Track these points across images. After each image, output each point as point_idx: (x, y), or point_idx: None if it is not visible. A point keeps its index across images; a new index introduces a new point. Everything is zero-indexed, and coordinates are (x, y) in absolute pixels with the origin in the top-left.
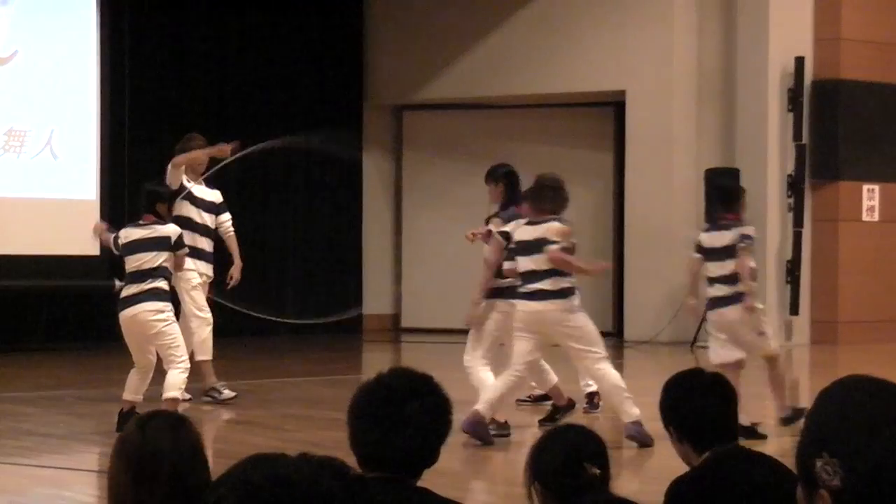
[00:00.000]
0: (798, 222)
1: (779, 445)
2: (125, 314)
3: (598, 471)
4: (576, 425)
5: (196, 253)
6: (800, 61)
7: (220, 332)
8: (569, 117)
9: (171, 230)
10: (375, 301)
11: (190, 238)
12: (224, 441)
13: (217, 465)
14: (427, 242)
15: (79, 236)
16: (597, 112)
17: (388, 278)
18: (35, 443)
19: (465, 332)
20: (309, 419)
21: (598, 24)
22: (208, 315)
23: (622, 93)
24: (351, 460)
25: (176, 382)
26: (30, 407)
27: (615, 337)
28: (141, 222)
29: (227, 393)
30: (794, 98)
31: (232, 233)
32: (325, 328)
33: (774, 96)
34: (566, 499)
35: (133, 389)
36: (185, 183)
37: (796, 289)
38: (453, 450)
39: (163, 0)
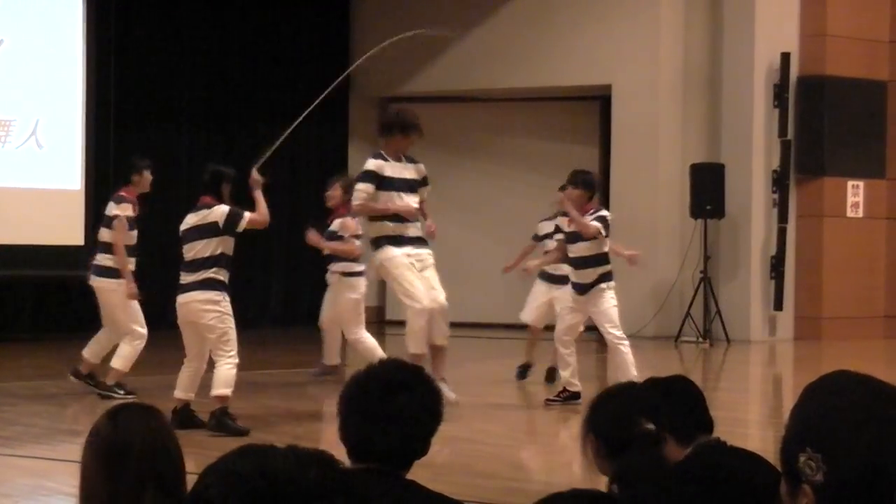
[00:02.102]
0: (783, 218)
1: (761, 440)
2: (178, 300)
3: (652, 426)
4: (637, 383)
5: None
6: (786, 57)
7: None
8: (555, 111)
9: (218, 213)
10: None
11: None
12: (208, 433)
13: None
14: None
15: (64, 226)
16: (583, 106)
17: (372, 270)
18: (18, 433)
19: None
20: (292, 412)
21: (583, 18)
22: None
23: (608, 87)
24: (336, 453)
25: (224, 378)
26: (13, 397)
27: (598, 332)
28: (198, 205)
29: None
30: (779, 94)
31: None
32: (311, 320)
33: (760, 92)
34: (618, 451)
35: (184, 386)
36: None
37: (780, 284)
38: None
39: None
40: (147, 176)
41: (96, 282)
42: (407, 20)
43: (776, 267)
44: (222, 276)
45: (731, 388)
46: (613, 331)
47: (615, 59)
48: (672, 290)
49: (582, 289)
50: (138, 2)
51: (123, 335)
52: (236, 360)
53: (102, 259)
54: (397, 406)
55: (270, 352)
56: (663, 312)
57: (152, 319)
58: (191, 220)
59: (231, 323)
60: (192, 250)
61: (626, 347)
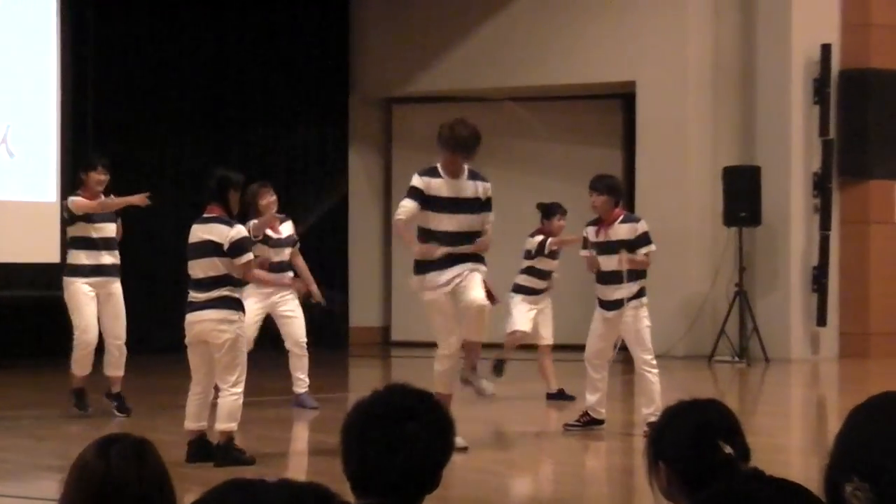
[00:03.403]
0: (825, 225)
1: (804, 468)
2: (188, 318)
3: (730, 450)
4: (705, 399)
5: None
6: (826, 49)
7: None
8: (573, 111)
9: (224, 237)
10: (363, 312)
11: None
12: (195, 466)
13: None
14: None
15: (37, 242)
16: (604, 105)
17: (376, 287)
18: None
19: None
20: (289, 442)
21: (604, 9)
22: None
23: (632, 84)
24: (335, 487)
25: (229, 411)
26: None
27: (623, 351)
28: (205, 216)
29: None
30: (819, 89)
31: None
32: (308, 342)
33: (798, 87)
34: (695, 481)
35: (194, 416)
36: None
37: (823, 298)
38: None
39: None
40: (95, 176)
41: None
42: (408, 18)
43: (818, 279)
44: (237, 293)
45: (770, 412)
46: (644, 355)
47: (639, 53)
48: (704, 305)
49: (611, 306)
50: (119, 0)
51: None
52: (241, 390)
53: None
54: (404, 435)
55: (263, 376)
56: (695, 329)
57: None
58: (198, 232)
59: (244, 347)
60: (197, 267)
61: (654, 376)
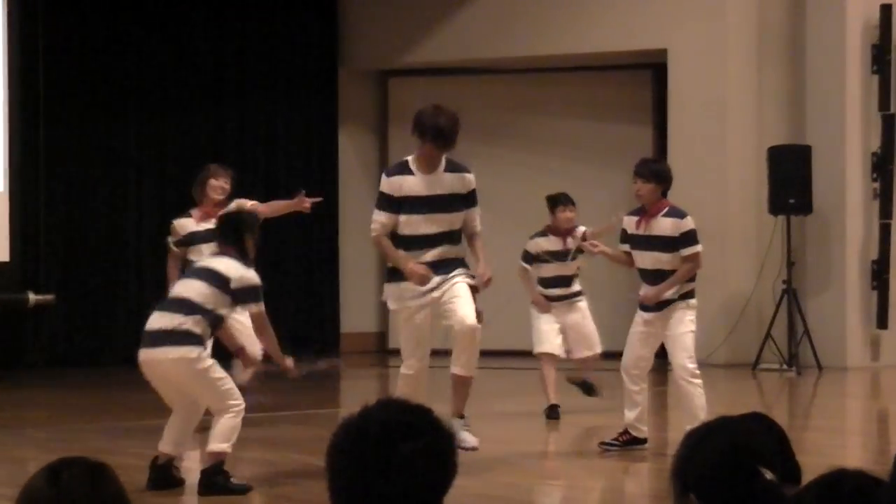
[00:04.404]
0: (886, 212)
1: None
2: (139, 356)
3: (770, 476)
4: (741, 416)
5: None
6: (886, 10)
7: None
8: (596, 83)
9: (238, 273)
10: (356, 316)
11: None
12: (169, 494)
13: None
14: None
15: None
16: (631, 76)
17: (371, 287)
18: None
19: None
20: (274, 465)
21: None
22: None
23: (663, 52)
24: None
25: (222, 431)
26: None
27: (657, 359)
28: (217, 253)
29: None
30: (879, 56)
31: None
32: (294, 351)
33: (855, 54)
34: None
35: (171, 441)
36: None
37: (884, 296)
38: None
39: None
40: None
41: None
42: None
43: (878, 275)
44: (203, 332)
45: (823, 427)
46: (686, 362)
47: (671, 16)
48: (748, 306)
49: (653, 307)
50: None
51: None
52: (241, 407)
53: None
54: (399, 457)
55: (245, 391)
56: (737, 333)
57: (94, 352)
58: (203, 261)
59: (217, 372)
60: (184, 286)
61: (695, 388)
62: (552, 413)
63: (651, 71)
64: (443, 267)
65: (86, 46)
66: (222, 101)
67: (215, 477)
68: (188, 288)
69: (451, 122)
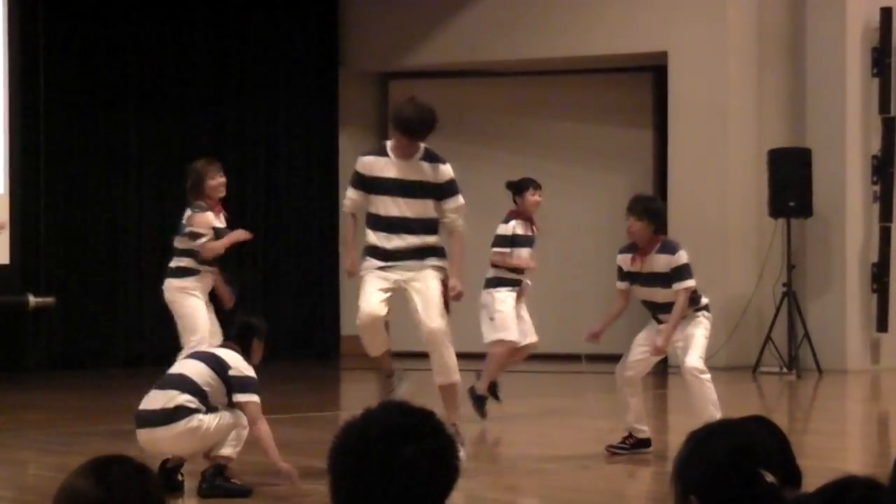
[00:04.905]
0: (886, 215)
1: None
2: (138, 436)
3: (772, 478)
4: (742, 418)
5: None
6: (886, 13)
7: (157, 362)
8: (597, 85)
9: (238, 364)
10: (356, 318)
11: None
12: (172, 497)
13: None
14: None
15: None
16: (632, 78)
17: None
18: None
19: (469, 356)
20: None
21: None
22: None
23: (663, 55)
24: None
25: (230, 438)
26: None
27: (658, 362)
28: (223, 347)
29: None
30: (879, 59)
31: None
32: (293, 354)
33: (855, 57)
34: None
35: None
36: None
37: (884, 299)
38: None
39: None
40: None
41: None
42: None
43: (879, 277)
44: (198, 406)
45: (823, 431)
46: (696, 362)
47: (671, 19)
48: (748, 309)
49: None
50: None
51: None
52: (246, 424)
53: None
54: (401, 460)
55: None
56: (737, 337)
57: (95, 354)
58: (213, 347)
59: (211, 425)
60: (186, 366)
61: (704, 383)
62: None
63: (651, 73)
64: (416, 255)
65: (86, 48)
66: (223, 103)
67: (216, 479)
68: (187, 367)
69: (418, 113)
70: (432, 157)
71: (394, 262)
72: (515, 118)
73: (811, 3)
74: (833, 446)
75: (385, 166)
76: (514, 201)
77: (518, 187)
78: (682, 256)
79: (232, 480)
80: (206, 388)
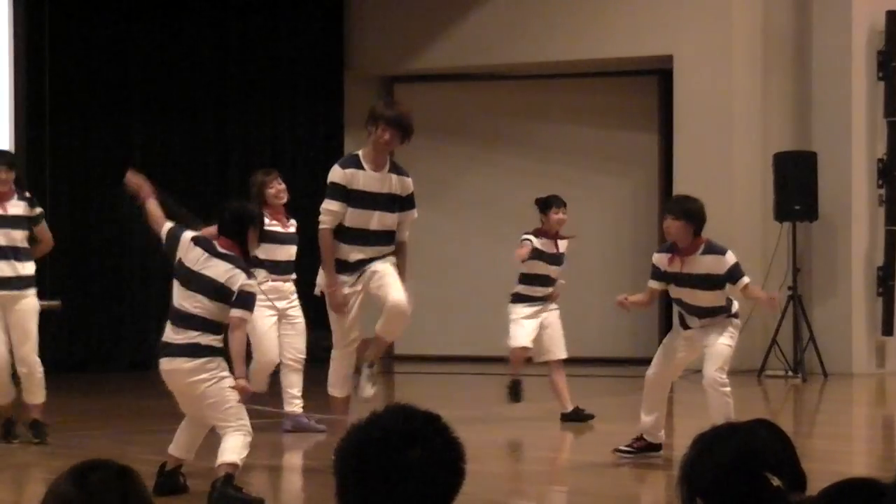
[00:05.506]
0: (892, 219)
1: None
2: (161, 364)
3: (778, 482)
4: (748, 422)
5: None
6: (892, 17)
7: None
8: (602, 89)
9: (237, 282)
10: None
11: None
12: (177, 500)
13: None
14: (424, 247)
15: None
16: (637, 82)
17: None
18: None
19: (475, 359)
20: (278, 471)
21: None
22: None
23: (669, 58)
24: None
25: (233, 446)
26: None
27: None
28: (220, 250)
29: None
30: (885, 63)
31: None
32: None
33: (860, 60)
34: None
35: (183, 446)
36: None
37: (890, 302)
38: None
39: None
40: None
41: None
42: None
43: (884, 281)
44: (220, 343)
45: (829, 434)
46: (718, 374)
47: (677, 22)
48: (753, 313)
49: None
50: None
51: None
52: (247, 425)
53: None
54: (407, 463)
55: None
56: (743, 340)
57: (100, 357)
58: (207, 263)
59: (229, 394)
60: (190, 300)
61: (723, 396)
62: (573, 417)
63: (657, 77)
64: (379, 257)
65: (91, 50)
66: (228, 106)
67: (227, 489)
68: (194, 304)
69: (406, 112)
70: (399, 170)
71: (361, 268)
72: (520, 122)
73: (817, 7)
74: (838, 450)
75: (365, 179)
76: (540, 220)
77: (543, 205)
78: (732, 256)
79: (242, 490)
80: (215, 319)
